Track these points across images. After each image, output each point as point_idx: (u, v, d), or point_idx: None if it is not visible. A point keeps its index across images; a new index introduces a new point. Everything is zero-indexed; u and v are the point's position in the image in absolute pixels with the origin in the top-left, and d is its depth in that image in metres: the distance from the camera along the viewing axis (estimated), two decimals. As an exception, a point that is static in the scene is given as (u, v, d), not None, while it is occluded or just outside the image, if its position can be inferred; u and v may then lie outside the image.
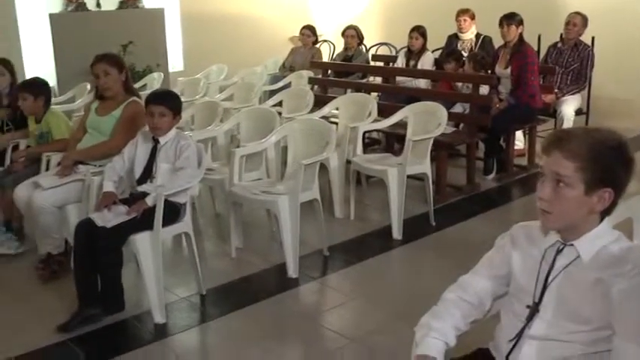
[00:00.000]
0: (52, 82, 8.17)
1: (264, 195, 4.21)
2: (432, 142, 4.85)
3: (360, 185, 5.50)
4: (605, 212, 1.84)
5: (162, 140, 3.78)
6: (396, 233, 4.70)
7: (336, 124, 5.65)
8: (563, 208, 1.80)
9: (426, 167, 4.86)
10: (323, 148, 4.30)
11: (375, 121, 5.36)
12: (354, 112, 5.53)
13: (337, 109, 5.78)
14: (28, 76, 7.78)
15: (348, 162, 5.17)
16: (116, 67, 4.22)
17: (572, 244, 1.85)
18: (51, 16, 8.02)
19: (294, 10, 10.28)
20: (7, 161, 4.83)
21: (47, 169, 4.45)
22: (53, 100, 7.02)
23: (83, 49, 7.35)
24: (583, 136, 1.79)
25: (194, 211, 5.24)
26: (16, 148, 4.93)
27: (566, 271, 1.86)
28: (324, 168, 4.99)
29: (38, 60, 8.49)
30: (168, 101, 3.76)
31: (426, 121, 5.00)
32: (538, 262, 1.92)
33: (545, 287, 1.89)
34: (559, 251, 1.88)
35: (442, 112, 4.92)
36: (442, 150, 5.39)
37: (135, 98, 4.24)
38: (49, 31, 8.02)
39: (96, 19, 8.29)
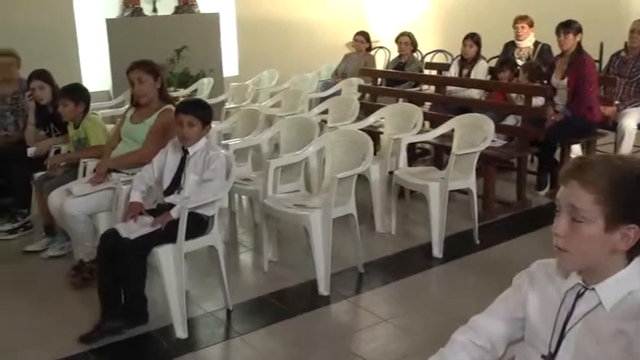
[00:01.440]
0: (107, 86, 8.33)
1: (296, 209, 4.07)
2: (477, 156, 4.62)
3: (403, 198, 5.30)
4: (634, 252, 1.60)
5: (191, 150, 3.69)
6: (437, 251, 4.50)
7: (381, 133, 5.49)
8: (581, 246, 1.57)
9: (470, 182, 4.63)
10: (360, 162, 4.13)
11: (422, 132, 5.16)
12: (400, 122, 5.34)
13: (383, 118, 5.58)
14: (85, 80, 7.90)
15: (391, 173, 4.99)
16: (151, 75, 4.15)
17: (593, 289, 1.62)
18: (107, 21, 8.05)
19: (350, 16, 10.08)
20: (49, 166, 4.83)
21: (84, 175, 4.43)
22: (106, 104, 7.18)
23: (138, 53, 7.28)
24: (605, 164, 1.56)
25: (233, 220, 5.18)
26: (57, 153, 4.93)
27: (585, 319, 1.63)
28: (365, 180, 4.83)
29: (95, 64, 8.55)
30: (197, 111, 3.66)
31: (473, 134, 4.77)
32: (557, 306, 1.69)
33: (562, 336, 1.66)
34: (579, 295, 1.65)
35: (489, 125, 4.68)
36: (490, 164, 5.14)
37: (169, 106, 4.15)
38: (105, 36, 8.05)
39: (152, 23, 8.28)
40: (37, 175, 4.79)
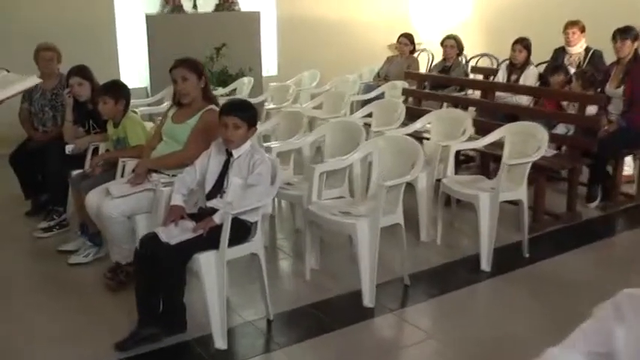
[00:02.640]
0: (145, 83, 8.28)
1: (343, 216, 3.93)
2: (529, 166, 4.42)
3: (449, 206, 5.11)
4: None
5: (235, 153, 3.56)
6: (485, 264, 4.31)
7: (428, 140, 5.32)
8: None
9: (521, 193, 4.44)
10: (409, 169, 3.97)
11: (470, 139, 4.97)
12: (448, 128, 5.17)
13: (430, 124, 5.41)
14: (123, 77, 7.85)
15: (438, 180, 4.83)
16: (195, 73, 4.03)
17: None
18: (147, 16, 8.01)
19: (394, 17, 9.95)
20: (87, 165, 4.76)
21: (123, 175, 4.33)
22: (144, 101, 7.12)
23: (177, 50, 7.23)
24: None
25: (273, 224, 5.05)
26: (96, 151, 4.87)
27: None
28: (411, 187, 4.67)
29: (133, 61, 8.51)
30: (242, 112, 3.54)
31: (524, 142, 4.58)
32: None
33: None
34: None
35: (543, 134, 4.48)
36: (541, 174, 4.93)
37: (212, 107, 4.04)
38: (144, 32, 8.00)
39: (191, 20, 8.23)
40: (74, 172, 4.70)
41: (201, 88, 4.07)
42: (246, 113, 3.55)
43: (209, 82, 4.21)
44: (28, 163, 5.41)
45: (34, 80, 1.97)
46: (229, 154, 3.58)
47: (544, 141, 4.47)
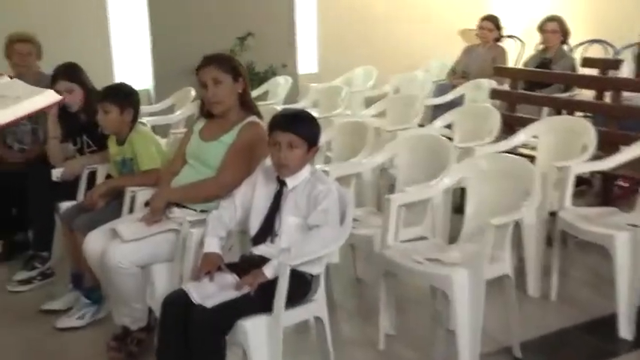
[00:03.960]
0: (147, 84, 8.26)
1: (432, 265, 3.79)
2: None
3: (564, 246, 4.94)
4: None
5: (290, 183, 3.47)
6: (625, 330, 4.14)
7: (533, 158, 5.17)
8: None
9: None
10: (520, 200, 3.83)
11: (596, 158, 4.82)
12: (561, 143, 5.04)
13: (536, 137, 5.30)
14: (118, 75, 7.83)
15: (552, 214, 4.69)
16: (231, 74, 3.95)
17: None
18: (149, -3, 8.04)
19: (468, -4, 9.93)
20: (81, 194, 4.68)
21: (132, 210, 4.26)
22: (148, 109, 7.07)
23: (189, 41, 7.32)
24: None
25: (327, 272, 4.90)
26: (93, 175, 4.81)
27: None
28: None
29: (131, 54, 8.50)
30: (300, 127, 3.44)
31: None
32: None
33: None
34: None
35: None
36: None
37: (254, 118, 3.97)
38: (146, 17, 7.99)
39: (207, 2, 8.21)
40: (65, 205, 4.65)
41: (238, 94, 3.99)
42: (306, 128, 3.46)
43: (248, 84, 4.10)
44: (0, 192, 5.34)
45: (49, 97, 1.83)
46: (282, 184, 3.49)
47: None
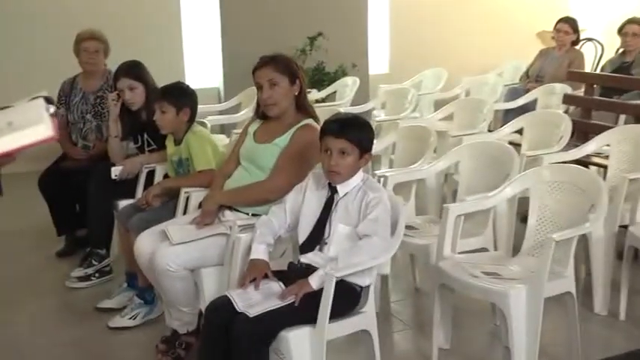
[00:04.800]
0: (217, 82, 8.27)
1: (488, 280, 3.65)
2: None
3: (635, 262, 4.74)
4: None
5: (341, 190, 3.37)
6: (700, 354, 3.93)
7: (604, 167, 5.02)
8: None
9: None
10: (586, 214, 3.68)
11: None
12: (636, 153, 4.84)
13: (608, 145, 5.09)
14: (189, 74, 7.86)
15: (623, 227, 4.51)
16: (287, 76, 3.87)
17: None
18: (221, -6, 8.07)
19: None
20: (139, 193, 4.69)
21: (185, 211, 4.23)
22: (214, 108, 7.07)
23: (259, 40, 7.30)
24: None
25: (385, 281, 4.82)
26: (150, 175, 4.81)
27: None
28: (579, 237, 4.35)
29: (201, 53, 8.54)
30: (353, 133, 3.33)
31: None
32: None
33: None
34: None
35: None
36: None
37: (310, 121, 3.88)
38: (217, 15, 7.97)
39: (278, 1, 8.24)
40: (122, 204, 4.65)
41: (294, 96, 3.92)
42: (359, 134, 3.35)
43: (305, 86, 4.01)
44: (63, 188, 5.42)
45: (38, 132, 1.70)
46: (333, 191, 3.40)
47: None
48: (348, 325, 3.30)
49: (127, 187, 4.79)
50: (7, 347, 4.25)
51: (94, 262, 5.06)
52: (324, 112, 4.53)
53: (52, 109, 1.72)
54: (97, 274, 5.05)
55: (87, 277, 5.03)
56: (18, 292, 4.98)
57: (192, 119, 4.44)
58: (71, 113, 5.53)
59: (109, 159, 5.01)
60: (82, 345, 4.27)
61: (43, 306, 4.78)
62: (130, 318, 4.40)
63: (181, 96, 4.41)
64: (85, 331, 4.40)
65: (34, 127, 1.67)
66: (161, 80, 4.74)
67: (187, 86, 4.59)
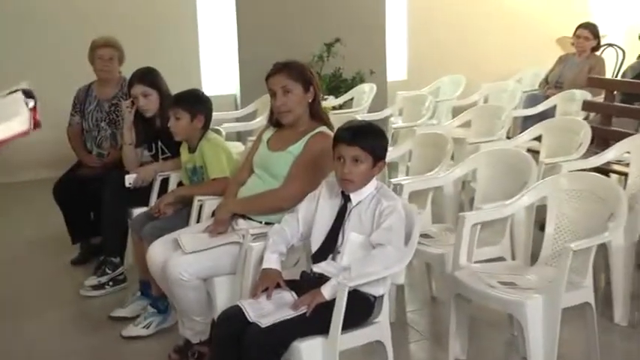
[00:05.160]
0: (233, 89, 8.27)
1: (505, 289, 3.60)
2: None
3: (655, 273, 4.71)
4: None
5: (354, 198, 3.33)
6: None
7: (625, 175, 4.96)
8: None
9: None
10: (605, 222, 3.61)
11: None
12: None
13: (629, 152, 5.02)
14: (205, 81, 7.84)
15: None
16: (300, 83, 3.84)
17: None
18: (237, 2, 8.08)
19: (565, 2, 9.63)
20: (152, 201, 4.68)
21: (199, 220, 4.21)
22: (231, 115, 7.06)
23: (276, 45, 7.30)
24: None
25: (401, 290, 4.79)
26: (164, 183, 4.79)
27: None
28: (599, 246, 4.29)
29: (218, 60, 8.54)
30: (366, 141, 3.29)
31: None
32: None
33: None
34: None
35: None
36: None
37: (323, 129, 3.84)
38: (234, 20, 7.99)
39: (294, 6, 8.23)
40: (136, 212, 4.65)
41: (308, 104, 3.89)
42: (372, 142, 3.31)
43: (319, 93, 3.98)
44: (78, 196, 5.41)
45: (12, 127, 1.66)
46: (346, 199, 3.36)
47: None
48: (361, 336, 3.27)
49: (141, 194, 4.77)
50: (21, 355, 4.25)
51: (107, 271, 5.03)
52: (340, 119, 4.51)
53: (32, 103, 1.69)
54: (110, 283, 5.03)
55: (101, 286, 5.01)
56: (33, 300, 4.98)
57: (206, 126, 4.42)
58: (86, 121, 5.54)
59: (124, 167, 5.00)
60: (95, 354, 4.27)
61: (58, 314, 4.77)
62: (144, 327, 4.38)
63: (196, 102, 4.40)
64: (99, 340, 4.39)
65: (7, 122, 1.64)
66: (178, 88, 4.73)
67: (202, 93, 4.59)
